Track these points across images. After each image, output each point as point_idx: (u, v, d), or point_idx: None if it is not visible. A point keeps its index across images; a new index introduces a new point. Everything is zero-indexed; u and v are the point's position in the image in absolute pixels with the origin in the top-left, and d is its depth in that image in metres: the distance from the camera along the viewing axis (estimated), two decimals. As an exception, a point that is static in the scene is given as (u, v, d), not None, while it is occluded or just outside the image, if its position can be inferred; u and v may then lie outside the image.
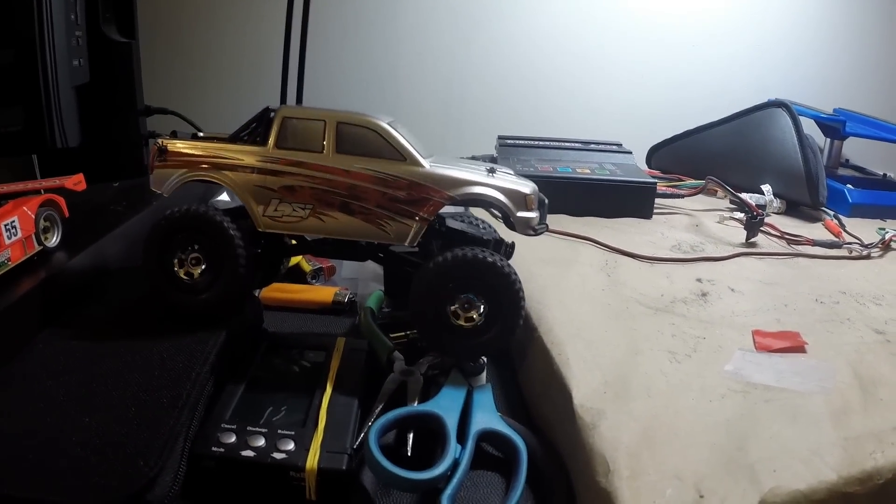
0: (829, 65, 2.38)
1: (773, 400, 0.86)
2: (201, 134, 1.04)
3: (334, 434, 0.82)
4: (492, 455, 0.88)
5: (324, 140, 0.94)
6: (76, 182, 1.17)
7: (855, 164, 2.17)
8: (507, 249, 1.05)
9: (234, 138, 1.00)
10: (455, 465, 0.79)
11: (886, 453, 0.78)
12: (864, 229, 1.60)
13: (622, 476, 0.73)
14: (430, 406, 0.89)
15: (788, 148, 1.73)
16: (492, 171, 0.98)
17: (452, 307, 0.93)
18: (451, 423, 0.85)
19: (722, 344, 1.00)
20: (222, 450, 0.79)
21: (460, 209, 1.19)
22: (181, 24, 1.98)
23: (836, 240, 1.50)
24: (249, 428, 0.81)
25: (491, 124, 2.10)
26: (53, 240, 1.09)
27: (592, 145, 1.85)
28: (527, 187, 0.98)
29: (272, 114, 0.97)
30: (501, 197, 0.96)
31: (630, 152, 1.82)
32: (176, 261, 0.95)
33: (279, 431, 0.81)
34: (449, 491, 0.76)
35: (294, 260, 1.32)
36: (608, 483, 0.74)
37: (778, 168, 1.75)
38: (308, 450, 0.79)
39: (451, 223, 1.04)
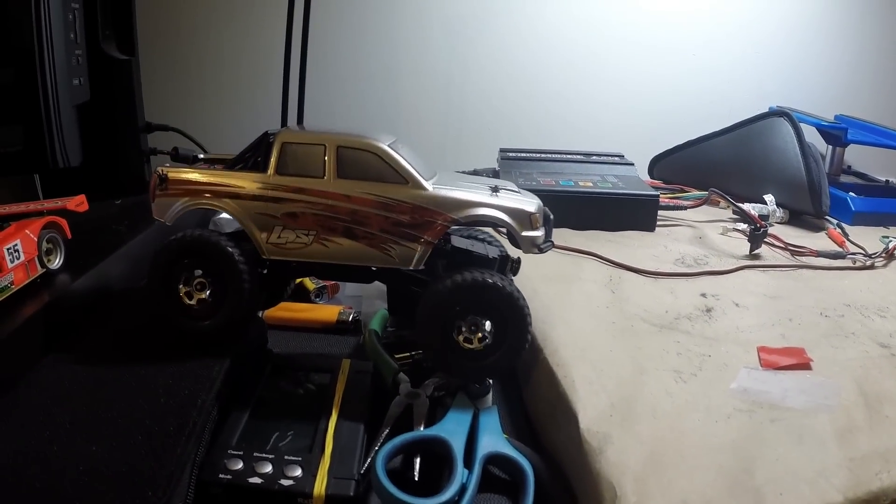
0: (830, 71, 2.38)
1: (779, 419, 0.86)
2: (202, 155, 1.05)
3: (341, 459, 0.82)
4: (499, 479, 0.87)
5: (324, 165, 0.94)
6: (78, 203, 1.16)
7: (857, 171, 2.17)
8: (514, 265, 1.05)
9: (235, 164, 1.00)
10: (462, 489, 0.79)
11: (892, 473, 0.78)
12: (868, 238, 1.60)
13: (629, 502, 0.73)
14: (436, 430, 0.88)
15: (790, 157, 1.72)
16: (495, 189, 0.98)
17: (459, 329, 0.93)
18: (458, 446, 0.85)
19: (727, 361, 1.00)
20: (230, 477, 0.78)
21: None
22: (181, 41, 1.97)
23: (840, 250, 1.49)
24: (256, 454, 0.81)
25: (492, 136, 2.09)
26: (56, 262, 1.09)
27: (594, 157, 1.85)
28: (531, 205, 0.98)
29: (271, 138, 0.96)
30: (505, 217, 0.95)
31: (632, 164, 1.82)
32: (181, 286, 0.95)
33: (286, 457, 0.81)
34: None
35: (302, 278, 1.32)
36: (615, 509, 0.73)
37: (780, 177, 1.75)
38: (315, 476, 0.79)
39: (456, 241, 1.04)
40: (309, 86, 1.68)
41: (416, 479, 0.82)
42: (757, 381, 0.95)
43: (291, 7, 1.60)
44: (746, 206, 1.60)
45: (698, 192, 1.82)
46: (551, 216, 1.01)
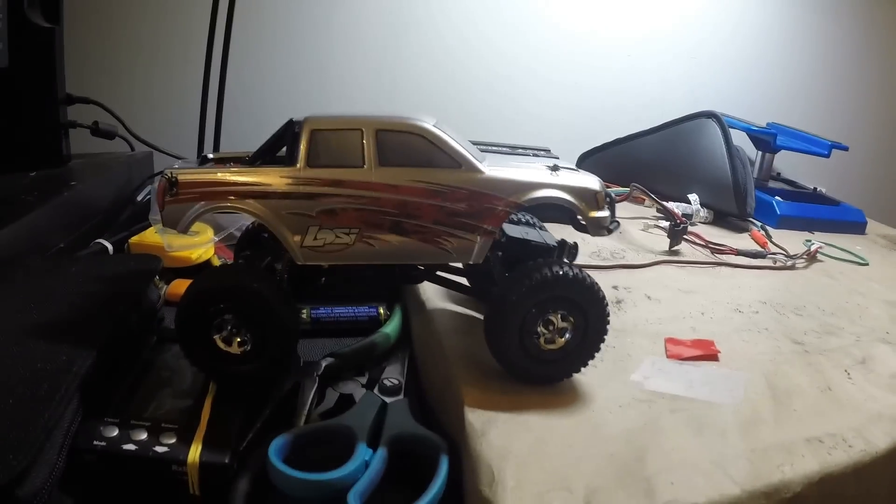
0: (765, 79, 2.40)
1: (680, 410, 0.85)
2: (211, 155, 0.95)
3: (218, 428, 0.80)
4: (408, 459, 0.83)
5: (363, 152, 0.83)
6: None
7: (786, 178, 2.19)
8: (572, 251, 1.00)
9: (255, 159, 0.92)
10: (365, 466, 0.77)
11: (795, 466, 0.78)
12: (792, 241, 1.61)
13: (507, 486, 0.71)
14: (339, 419, 0.85)
15: (717, 158, 1.72)
16: (555, 168, 0.91)
17: (539, 329, 0.86)
18: (362, 432, 0.82)
19: (631, 352, 0.99)
20: (104, 444, 0.77)
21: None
22: (109, 12, 1.93)
23: (761, 250, 1.49)
24: (133, 421, 0.80)
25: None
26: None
27: (520, 150, 1.82)
28: (595, 183, 0.91)
29: (297, 127, 0.85)
30: (570, 197, 0.88)
31: (557, 157, 1.80)
32: (215, 335, 0.85)
33: (163, 425, 0.79)
34: (357, 488, 0.73)
35: (207, 254, 1.29)
36: (491, 493, 0.71)
37: (707, 178, 1.74)
38: (191, 444, 0.77)
39: (509, 230, 0.97)
40: (231, 65, 1.66)
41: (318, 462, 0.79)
42: (661, 372, 0.94)
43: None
44: (669, 204, 1.60)
45: (621, 188, 1.80)
46: (613, 195, 0.94)
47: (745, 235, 1.67)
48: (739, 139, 1.83)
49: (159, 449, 0.77)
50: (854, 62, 2.49)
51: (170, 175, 0.83)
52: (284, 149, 0.92)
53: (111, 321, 0.91)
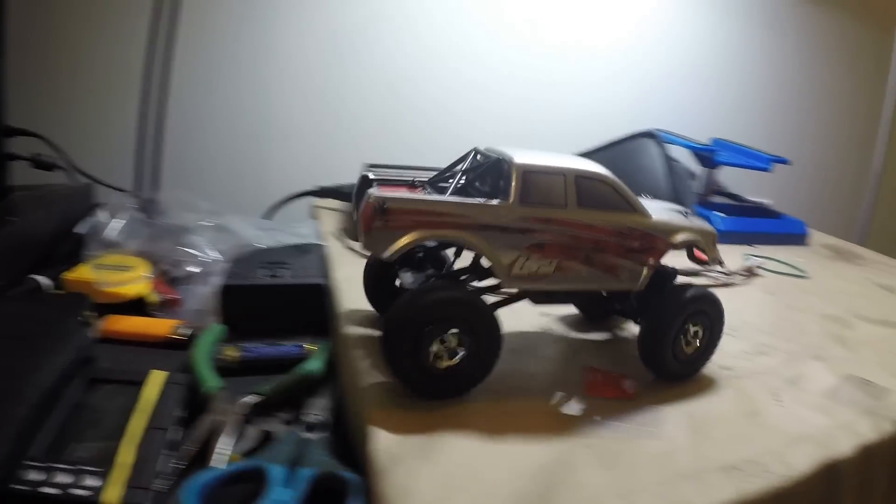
0: (710, 95, 2.43)
1: (595, 445, 0.85)
2: (372, 175, 1.04)
3: (140, 470, 0.80)
4: (326, 498, 0.82)
5: (565, 194, 0.94)
6: None
7: (730, 192, 2.21)
8: (677, 273, 1.10)
9: (436, 183, 1.03)
10: None
11: (708, 496, 0.78)
12: (733, 256, 1.64)
13: (407, 531, 0.71)
14: (254, 461, 0.85)
15: (657, 178, 1.74)
16: (685, 213, 1.11)
17: (683, 336, 1.03)
18: (276, 471, 0.82)
19: (554, 381, 0.99)
20: (25, 487, 0.76)
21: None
22: (48, 44, 1.92)
23: (697, 268, 1.50)
24: (57, 464, 0.79)
25: (360, 151, 2.05)
26: None
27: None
28: (712, 226, 1.11)
29: (506, 166, 0.93)
30: (701, 238, 1.07)
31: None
32: (432, 348, 0.88)
33: (85, 467, 0.79)
34: None
35: (142, 290, 1.28)
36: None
37: (648, 197, 1.75)
38: (112, 486, 0.77)
39: None
40: (174, 92, 1.66)
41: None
42: (577, 405, 0.95)
43: (157, 18, 1.59)
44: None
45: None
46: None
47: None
48: (686, 156, 1.85)
49: (80, 492, 0.76)
50: (796, 76, 2.52)
51: (379, 201, 0.85)
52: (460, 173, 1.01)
53: (40, 364, 0.91)
